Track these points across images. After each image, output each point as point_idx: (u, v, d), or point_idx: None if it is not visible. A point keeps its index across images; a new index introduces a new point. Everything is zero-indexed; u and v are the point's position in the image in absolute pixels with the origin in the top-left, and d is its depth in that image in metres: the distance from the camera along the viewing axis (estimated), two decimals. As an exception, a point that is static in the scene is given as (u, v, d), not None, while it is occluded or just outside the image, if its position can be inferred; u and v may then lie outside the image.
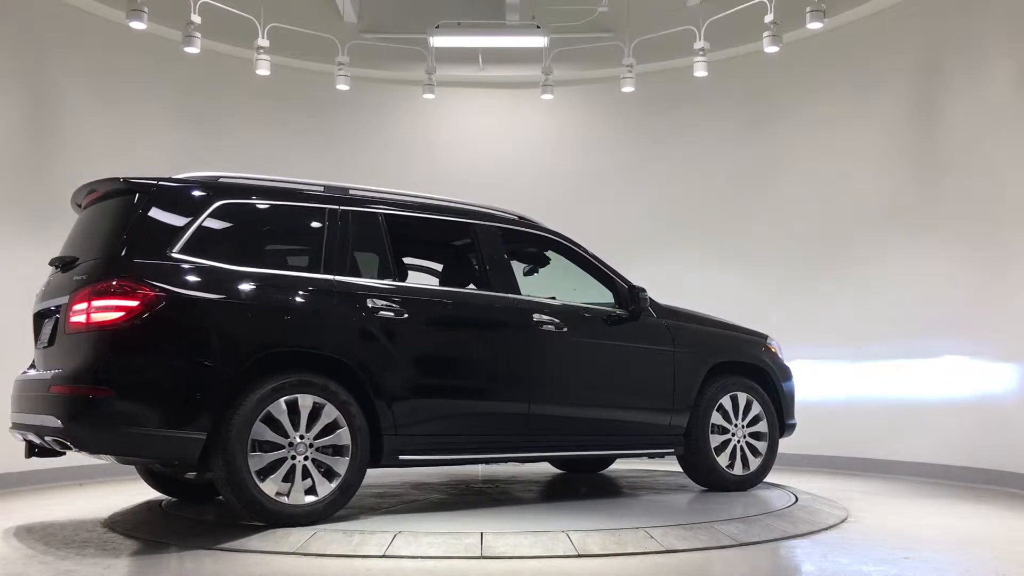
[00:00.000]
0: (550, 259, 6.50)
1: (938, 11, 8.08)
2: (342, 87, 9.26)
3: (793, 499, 6.00)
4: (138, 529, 5.10)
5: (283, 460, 4.73)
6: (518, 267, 6.78)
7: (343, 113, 9.92)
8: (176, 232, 4.80)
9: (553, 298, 6.18)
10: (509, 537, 4.61)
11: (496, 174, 10.07)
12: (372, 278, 5.30)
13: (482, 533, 4.65)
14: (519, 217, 6.11)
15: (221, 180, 5.15)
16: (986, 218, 7.49)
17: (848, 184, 8.77)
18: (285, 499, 4.72)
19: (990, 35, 7.56)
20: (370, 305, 5.10)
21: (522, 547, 4.47)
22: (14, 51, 7.76)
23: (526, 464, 7.65)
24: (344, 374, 4.97)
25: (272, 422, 4.72)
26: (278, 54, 8.87)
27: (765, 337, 6.74)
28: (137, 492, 6.35)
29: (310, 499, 4.78)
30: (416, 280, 6.38)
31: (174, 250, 4.75)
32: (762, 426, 6.43)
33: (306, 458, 4.80)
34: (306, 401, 4.79)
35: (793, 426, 6.73)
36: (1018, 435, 7.07)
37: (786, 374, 6.72)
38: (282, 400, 4.73)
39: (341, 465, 4.88)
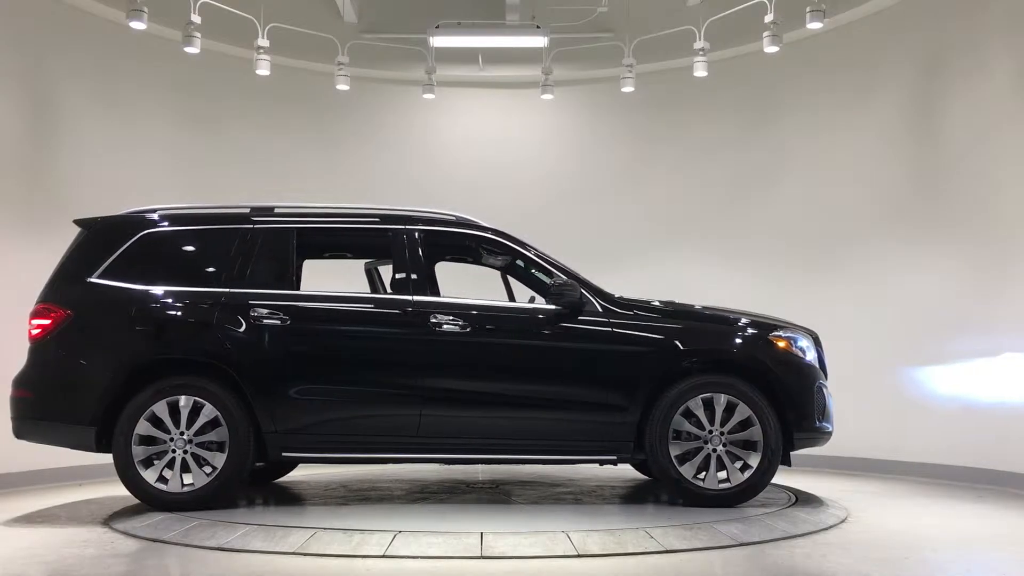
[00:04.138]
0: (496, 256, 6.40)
1: (938, 11, 8.07)
2: (342, 87, 9.26)
3: (793, 499, 6.01)
4: (138, 529, 5.10)
5: (165, 453, 5.50)
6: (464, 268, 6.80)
7: (343, 113, 9.92)
8: (99, 260, 5.78)
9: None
10: (509, 537, 4.62)
11: (496, 174, 10.07)
12: (285, 289, 5.81)
13: (482, 533, 4.66)
14: (456, 218, 6.11)
15: (158, 212, 6.02)
16: (985, 218, 7.49)
17: (848, 184, 8.77)
18: (164, 486, 5.48)
19: (990, 35, 7.56)
20: (253, 314, 5.65)
21: (522, 547, 4.48)
22: (14, 51, 7.76)
23: (527, 464, 7.63)
24: (228, 378, 5.59)
25: (156, 419, 5.50)
26: (278, 54, 8.86)
27: (770, 328, 5.88)
28: (137, 492, 6.35)
29: (187, 488, 5.48)
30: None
31: (94, 276, 5.74)
32: (753, 433, 5.58)
33: (185, 452, 5.50)
34: (186, 402, 5.52)
35: (815, 434, 5.77)
36: (1018, 435, 7.07)
37: (800, 373, 5.78)
38: (164, 400, 5.51)
39: (218, 460, 5.51)
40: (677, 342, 5.72)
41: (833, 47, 8.91)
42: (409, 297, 5.76)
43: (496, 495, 6.31)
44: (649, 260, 9.61)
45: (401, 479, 7.18)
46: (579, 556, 4.39)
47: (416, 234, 5.92)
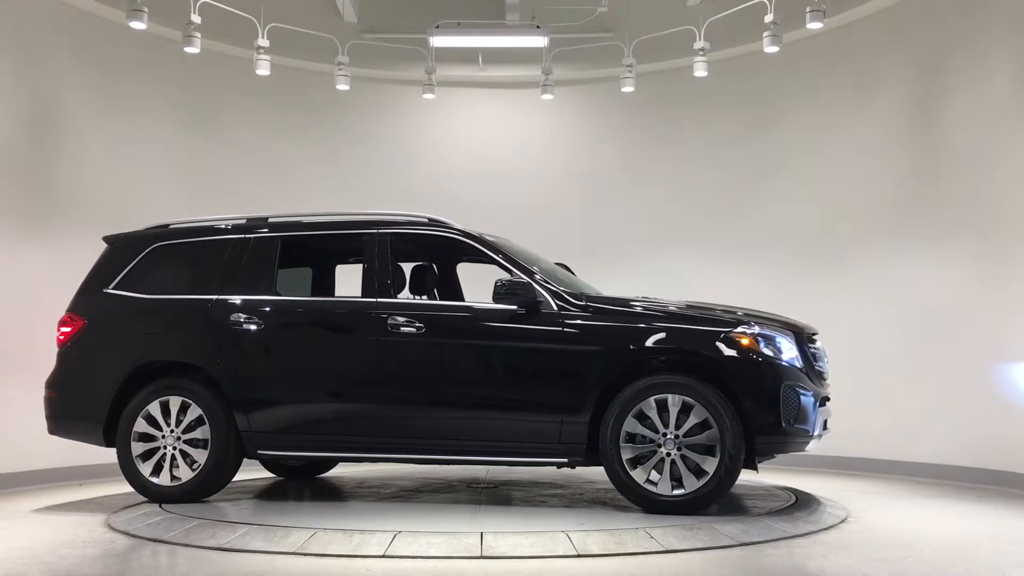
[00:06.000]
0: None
1: (938, 11, 8.07)
2: (342, 87, 9.25)
3: (793, 499, 6.01)
4: (138, 529, 5.11)
5: (158, 449, 5.92)
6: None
7: (343, 113, 9.91)
8: (115, 273, 6.30)
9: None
10: (509, 537, 4.63)
11: (496, 174, 10.07)
12: (268, 295, 6.06)
13: (482, 533, 4.67)
14: (429, 220, 6.11)
15: (170, 227, 6.47)
16: (986, 218, 7.48)
17: (848, 184, 8.76)
18: (156, 480, 5.88)
19: (990, 35, 7.56)
20: (232, 319, 5.95)
21: (522, 547, 4.48)
22: (14, 51, 7.75)
23: (484, 465, 7.52)
24: (212, 379, 5.92)
25: (151, 418, 5.93)
26: (278, 54, 8.85)
27: (733, 325, 5.46)
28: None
29: (175, 483, 5.86)
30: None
31: (110, 287, 6.27)
32: (710, 437, 5.24)
33: (174, 448, 5.90)
34: (176, 402, 5.91)
35: (783, 438, 5.38)
36: (1018, 435, 7.07)
37: (763, 372, 5.36)
38: (157, 400, 5.93)
39: (201, 456, 5.86)
40: (628, 341, 5.47)
41: (833, 47, 8.90)
42: (373, 300, 5.85)
43: (496, 495, 6.31)
44: (649, 260, 9.60)
45: (402, 479, 7.18)
46: (579, 556, 4.39)
47: (383, 237, 6.00)
